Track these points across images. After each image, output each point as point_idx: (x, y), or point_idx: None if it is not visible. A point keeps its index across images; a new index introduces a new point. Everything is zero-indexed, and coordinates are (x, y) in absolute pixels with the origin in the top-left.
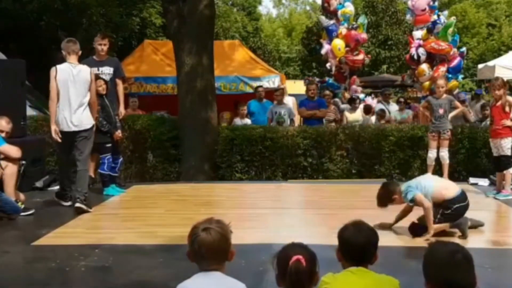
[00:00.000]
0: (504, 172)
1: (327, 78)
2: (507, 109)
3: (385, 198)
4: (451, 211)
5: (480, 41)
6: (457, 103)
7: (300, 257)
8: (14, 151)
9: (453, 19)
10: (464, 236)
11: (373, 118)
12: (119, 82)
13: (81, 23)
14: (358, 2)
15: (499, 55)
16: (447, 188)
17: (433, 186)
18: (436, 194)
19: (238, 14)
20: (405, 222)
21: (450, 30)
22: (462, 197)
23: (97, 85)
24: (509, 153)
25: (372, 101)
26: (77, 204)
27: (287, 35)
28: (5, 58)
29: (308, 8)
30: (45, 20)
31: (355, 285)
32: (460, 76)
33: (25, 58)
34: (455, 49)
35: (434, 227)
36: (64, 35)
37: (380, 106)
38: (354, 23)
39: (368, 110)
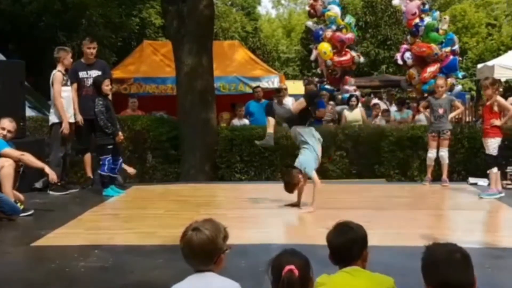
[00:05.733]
0: (488, 171)
1: (325, 79)
2: (495, 108)
3: (293, 184)
4: None
5: (480, 41)
6: (458, 103)
7: (292, 267)
8: (15, 154)
9: (444, 18)
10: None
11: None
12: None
13: (80, 24)
14: (357, 2)
15: (498, 54)
16: None
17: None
18: None
19: (238, 15)
20: (406, 226)
21: (442, 30)
22: None
23: (104, 84)
24: (494, 153)
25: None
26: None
27: (286, 35)
28: (4, 59)
29: (307, 8)
30: (44, 21)
31: (349, 284)
32: (460, 74)
33: (25, 59)
34: (446, 49)
35: None
36: (64, 35)
37: (383, 105)
38: (341, 24)
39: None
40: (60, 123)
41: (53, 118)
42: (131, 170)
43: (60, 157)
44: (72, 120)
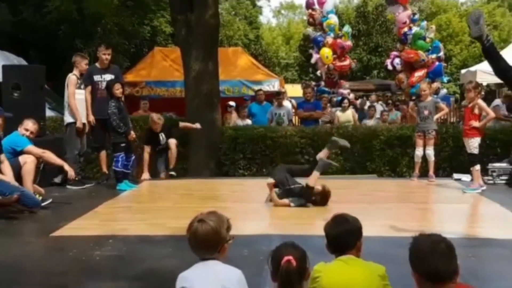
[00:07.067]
0: (471, 169)
1: (322, 82)
2: (476, 111)
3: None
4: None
5: (463, 48)
6: (442, 105)
7: (290, 258)
8: (37, 151)
9: (430, 27)
10: (344, 144)
11: (370, 121)
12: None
13: (96, 32)
14: (351, 12)
15: (481, 61)
16: None
17: None
18: None
19: (241, 23)
20: (395, 219)
21: (428, 39)
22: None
23: (115, 88)
24: (476, 152)
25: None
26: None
27: (285, 42)
28: (26, 64)
29: (305, 17)
30: (62, 29)
31: (344, 272)
32: (445, 79)
33: (45, 64)
34: (433, 55)
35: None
36: (81, 43)
37: (380, 107)
38: (339, 32)
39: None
40: (75, 123)
41: (68, 118)
42: (146, 175)
43: (76, 154)
44: (84, 120)
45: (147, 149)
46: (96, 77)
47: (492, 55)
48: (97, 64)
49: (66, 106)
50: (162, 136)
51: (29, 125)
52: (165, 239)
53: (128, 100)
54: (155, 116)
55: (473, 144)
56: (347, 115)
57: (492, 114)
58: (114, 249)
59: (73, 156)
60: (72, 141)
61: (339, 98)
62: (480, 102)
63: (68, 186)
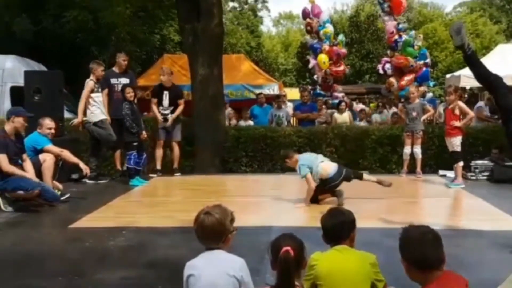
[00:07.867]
0: (455, 165)
1: (317, 86)
2: (456, 112)
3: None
4: (327, 187)
5: (448, 55)
6: (429, 107)
7: (288, 248)
8: (55, 150)
9: (418, 36)
10: (340, 202)
11: (360, 123)
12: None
13: (110, 40)
14: (344, 22)
15: (464, 66)
16: (327, 169)
17: (321, 167)
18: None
19: (243, 32)
20: (386, 212)
21: (416, 46)
22: (335, 177)
23: (125, 92)
24: (458, 149)
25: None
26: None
27: (284, 49)
28: (46, 70)
29: (302, 27)
30: (79, 37)
31: (338, 260)
32: (432, 83)
33: (63, 70)
34: (420, 61)
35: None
36: (96, 50)
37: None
38: (334, 40)
39: None
40: (100, 120)
41: (94, 117)
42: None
43: (111, 136)
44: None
45: (154, 101)
46: (113, 80)
47: (473, 62)
48: (114, 69)
49: (89, 107)
50: (165, 95)
51: (50, 123)
52: (174, 230)
53: (140, 102)
54: (164, 66)
55: (456, 143)
56: (344, 117)
57: (471, 113)
58: (127, 239)
59: (109, 140)
60: (107, 131)
61: (335, 101)
62: (460, 103)
63: (87, 180)
